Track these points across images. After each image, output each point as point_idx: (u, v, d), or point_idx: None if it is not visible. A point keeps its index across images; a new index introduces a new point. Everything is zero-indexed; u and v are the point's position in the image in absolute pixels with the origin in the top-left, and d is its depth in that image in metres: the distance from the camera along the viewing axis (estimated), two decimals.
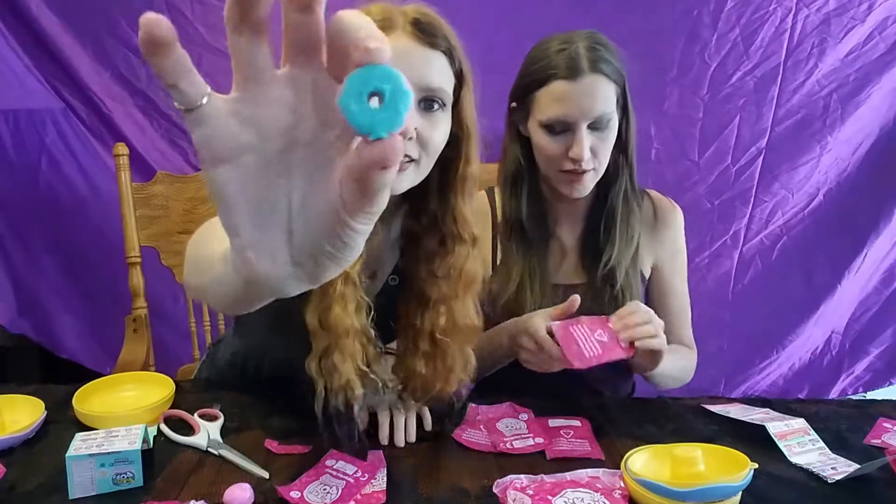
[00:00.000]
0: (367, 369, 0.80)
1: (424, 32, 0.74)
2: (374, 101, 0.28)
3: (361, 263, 0.80)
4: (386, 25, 0.73)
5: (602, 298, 1.09)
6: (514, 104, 1.11)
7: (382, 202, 0.31)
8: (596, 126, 1.02)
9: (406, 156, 0.74)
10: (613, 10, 1.50)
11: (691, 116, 1.60)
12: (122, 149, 1.43)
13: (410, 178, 0.78)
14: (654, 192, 1.21)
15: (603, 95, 1.00)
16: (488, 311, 1.14)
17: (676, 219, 1.21)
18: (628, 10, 1.51)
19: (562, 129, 1.02)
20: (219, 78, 1.52)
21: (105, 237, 1.57)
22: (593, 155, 1.03)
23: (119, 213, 1.44)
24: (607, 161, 1.07)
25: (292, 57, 0.31)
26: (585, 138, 1.01)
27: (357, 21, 0.28)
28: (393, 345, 0.95)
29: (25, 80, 1.51)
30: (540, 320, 0.95)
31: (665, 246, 1.19)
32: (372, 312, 0.82)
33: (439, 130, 0.77)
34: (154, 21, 0.28)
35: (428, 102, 0.75)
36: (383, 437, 0.90)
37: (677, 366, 1.11)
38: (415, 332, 0.86)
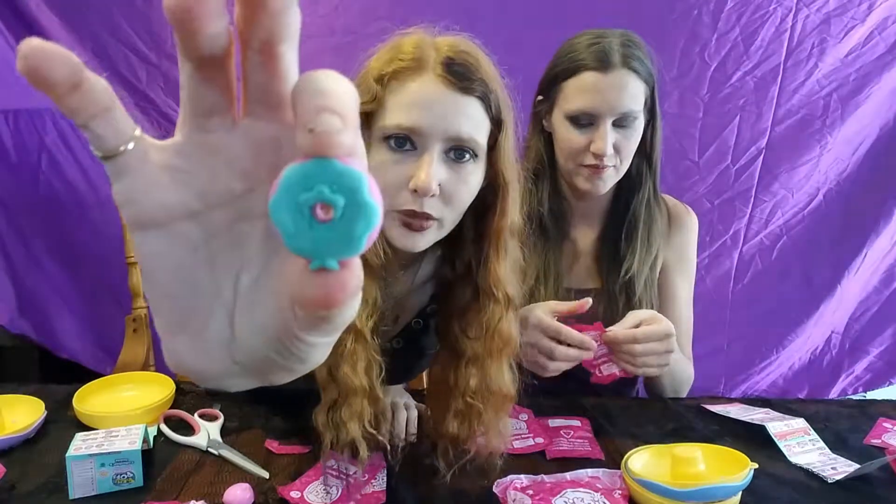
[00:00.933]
0: (374, 432, 0.74)
1: (457, 76, 0.67)
2: (321, 214, 0.20)
3: (377, 318, 0.73)
4: (415, 66, 0.68)
5: (616, 305, 1.08)
6: (540, 97, 1.09)
7: (345, 321, 0.23)
8: (621, 123, 1.00)
9: (425, 214, 0.67)
10: (613, 9, 1.50)
11: (691, 116, 1.60)
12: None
13: (431, 239, 0.71)
14: (669, 198, 1.20)
15: (631, 92, 0.99)
16: None
17: (689, 224, 1.19)
18: (628, 10, 1.51)
19: (587, 121, 1.01)
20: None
21: (105, 237, 1.56)
22: (616, 152, 1.01)
23: (119, 213, 1.44)
24: (629, 162, 1.05)
25: (249, 105, 0.24)
26: (609, 133, 0.99)
27: (321, 84, 0.20)
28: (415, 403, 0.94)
29: (25, 80, 1.50)
30: (541, 312, 0.92)
31: (673, 249, 1.17)
32: (383, 372, 0.75)
33: (468, 185, 0.70)
34: (39, 52, 0.21)
35: (458, 152, 0.68)
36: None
37: (687, 371, 1.10)
38: (447, 389, 0.79)
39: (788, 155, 1.62)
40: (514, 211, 0.74)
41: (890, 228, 1.66)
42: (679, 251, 1.18)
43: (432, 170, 0.66)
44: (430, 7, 1.52)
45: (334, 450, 0.73)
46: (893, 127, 1.63)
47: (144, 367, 1.38)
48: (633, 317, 0.92)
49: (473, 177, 0.70)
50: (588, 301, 0.90)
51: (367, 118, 0.68)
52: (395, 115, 0.67)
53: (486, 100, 0.69)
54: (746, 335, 1.72)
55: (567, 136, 1.03)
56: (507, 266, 0.75)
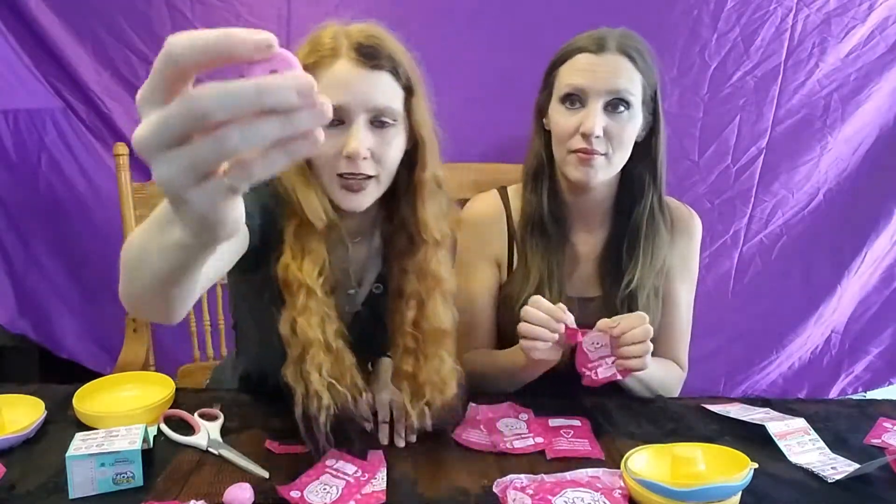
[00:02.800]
0: (332, 381, 0.81)
1: (367, 56, 0.79)
2: None
3: (327, 275, 0.83)
4: (332, 54, 0.79)
5: (616, 314, 1.05)
6: (540, 92, 1.10)
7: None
8: (613, 107, 0.99)
9: (363, 174, 0.80)
10: (613, 9, 1.50)
11: (691, 116, 1.59)
12: (122, 148, 1.43)
13: (372, 194, 0.84)
14: (672, 200, 1.17)
15: (625, 76, 0.99)
16: (505, 315, 1.13)
17: (693, 229, 1.17)
18: (628, 10, 1.51)
19: (577, 103, 1.01)
20: (219, 78, 1.52)
21: (105, 237, 1.56)
22: (607, 138, 1.00)
23: (119, 213, 1.44)
24: (622, 155, 1.03)
25: None
26: (599, 114, 0.99)
27: None
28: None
29: (25, 80, 1.51)
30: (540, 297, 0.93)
31: (677, 254, 1.15)
32: (339, 324, 0.84)
33: (392, 146, 0.82)
34: None
35: (379, 121, 0.80)
36: (383, 438, 0.90)
37: (656, 376, 1.07)
38: (395, 328, 0.90)
39: (789, 155, 1.62)
40: (433, 164, 0.86)
41: (890, 228, 1.66)
42: (682, 257, 1.16)
43: (360, 136, 0.78)
44: (430, 7, 1.53)
45: (306, 404, 0.81)
46: (894, 127, 1.62)
47: (144, 367, 1.38)
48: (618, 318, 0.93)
49: (396, 139, 0.83)
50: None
51: None
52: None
53: (395, 73, 0.81)
54: (746, 335, 1.72)
55: (558, 119, 1.03)
56: (434, 212, 0.87)
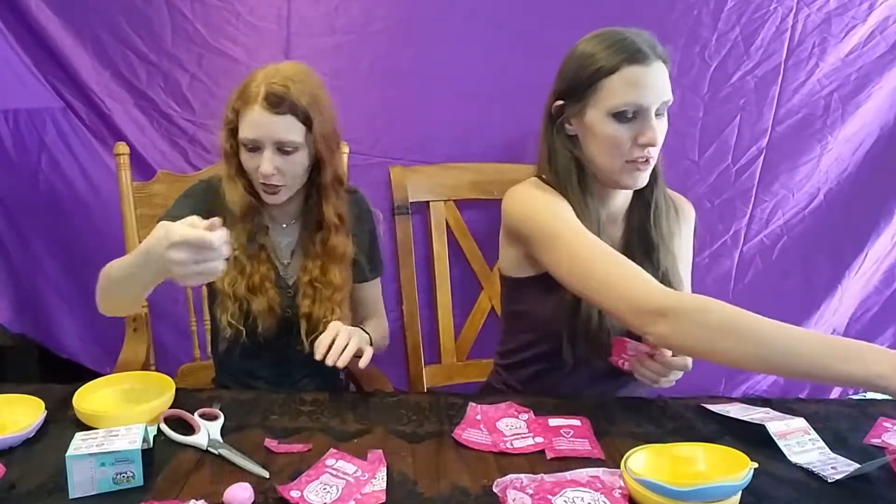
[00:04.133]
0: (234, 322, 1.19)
1: (273, 105, 1.07)
2: None
3: (243, 248, 1.17)
4: (251, 100, 1.08)
5: None
6: (560, 102, 1.08)
7: None
8: (660, 112, 1.03)
9: (273, 186, 1.12)
10: (613, 9, 1.50)
11: (691, 116, 1.60)
12: (122, 148, 1.43)
13: (285, 194, 1.15)
14: (669, 190, 1.20)
15: (665, 82, 1.02)
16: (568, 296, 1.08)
17: (690, 215, 1.24)
18: (628, 10, 1.51)
19: (632, 114, 1.01)
20: (219, 78, 1.52)
21: (105, 237, 1.56)
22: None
23: (119, 213, 1.44)
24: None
25: None
26: (656, 123, 1.02)
27: None
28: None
29: (25, 80, 1.51)
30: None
31: (679, 239, 1.18)
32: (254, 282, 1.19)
33: (295, 164, 1.12)
34: None
35: (282, 150, 1.10)
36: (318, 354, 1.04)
37: None
38: (303, 280, 1.21)
39: (789, 154, 1.62)
40: (330, 171, 1.16)
41: (890, 228, 1.66)
42: (678, 243, 1.18)
43: (268, 161, 1.09)
44: (429, 7, 1.53)
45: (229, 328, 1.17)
46: (894, 127, 1.63)
47: (144, 367, 1.38)
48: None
49: (298, 158, 1.12)
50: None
51: (233, 131, 1.12)
52: (244, 132, 1.10)
53: (295, 113, 1.08)
54: None
55: (611, 132, 1.02)
56: (333, 203, 1.19)
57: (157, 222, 0.94)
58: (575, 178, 1.09)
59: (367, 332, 1.17)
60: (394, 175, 1.58)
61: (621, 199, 1.14)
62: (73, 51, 1.50)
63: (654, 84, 1.00)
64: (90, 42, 1.51)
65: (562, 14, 1.51)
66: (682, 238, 1.19)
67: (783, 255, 1.68)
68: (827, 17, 1.55)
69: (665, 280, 1.08)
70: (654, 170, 1.09)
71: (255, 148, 1.10)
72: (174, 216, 1.00)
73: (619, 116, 1.01)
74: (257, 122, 1.08)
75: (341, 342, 1.04)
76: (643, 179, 1.06)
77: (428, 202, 1.60)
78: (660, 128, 1.03)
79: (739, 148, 1.62)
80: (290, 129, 1.09)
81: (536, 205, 1.08)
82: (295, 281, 1.23)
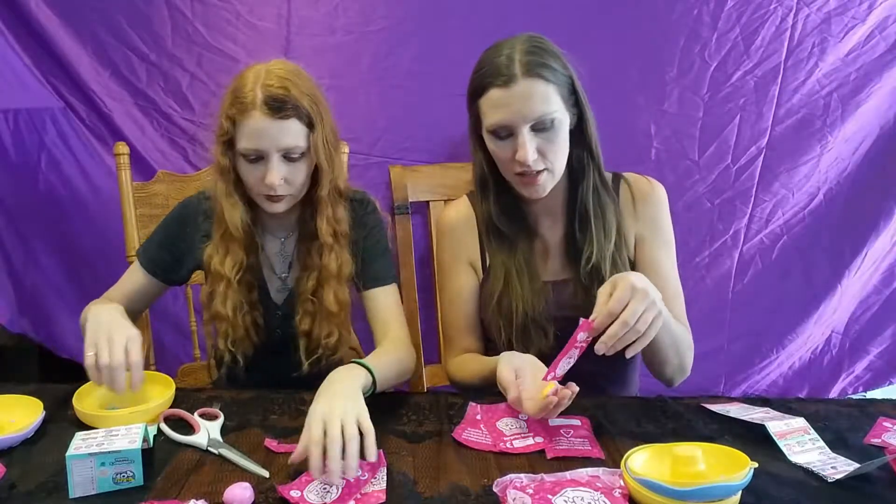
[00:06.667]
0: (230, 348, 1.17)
1: (274, 109, 1.01)
2: None
3: (239, 270, 1.14)
4: (249, 107, 1.01)
5: (591, 291, 1.07)
6: (470, 117, 1.12)
7: None
8: (540, 127, 1.02)
9: (277, 196, 1.07)
10: (613, 9, 1.50)
11: (691, 116, 1.59)
12: (122, 148, 1.43)
13: (288, 203, 1.10)
14: (630, 175, 1.21)
15: (540, 98, 1.01)
16: (483, 314, 1.18)
17: (654, 194, 1.19)
18: (628, 10, 1.51)
19: (506, 133, 1.04)
20: (219, 77, 1.52)
21: (105, 237, 1.57)
22: (541, 156, 1.04)
23: (119, 213, 1.44)
24: (563, 160, 1.08)
25: None
26: (529, 141, 1.02)
27: None
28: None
29: (25, 80, 1.51)
30: (505, 366, 0.96)
31: (645, 222, 1.18)
32: (251, 315, 1.18)
33: (300, 172, 1.07)
34: None
35: (288, 157, 1.05)
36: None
37: (670, 323, 1.01)
38: (300, 297, 1.16)
39: (789, 154, 1.62)
40: (326, 183, 1.10)
41: (890, 228, 1.66)
42: (651, 223, 1.18)
43: (275, 171, 1.03)
44: (429, 7, 1.53)
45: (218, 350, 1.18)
46: (894, 126, 1.62)
47: (144, 367, 1.38)
48: (600, 296, 0.89)
49: (303, 166, 1.07)
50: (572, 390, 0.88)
51: (230, 142, 1.06)
52: (243, 142, 1.03)
53: (299, 116, 1.03)
54: (746, 335, 1.71)
55: (494, 148, 1.08)
56: (328, 218, 1.12)
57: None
58: (491, 182, 1.14)
59: (369, 371, 0.94)
60: (394, 175, 1.58)
61: (551, 195, 1.12)
62: (73, 51, 1.50)
63: (519, 104, 1.00)
64: (90, 42, 1.51)
65: (562, 14, 1.50)
66: (643, 221, 1.17)
67: (783, 254, 1.68)
68: (827, 16, 1.55)
69: (596, 273, 1.10)
70: (580, 168, 1.11)
71: (258, 158, 1.04)
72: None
73: (495, 135, 1.05)
74: (259, 130, 1.01)
75: (335, 467, 0.76)
76: (539, 191, 1.08)
77: (428, 202, 1.60)
78: (546, 141, 1.03)
79: (739, 148, 1.62)
80: (294, 133, 1.03)
81: (439, 240, 1.26)
82: (287, 298, 1.19)
